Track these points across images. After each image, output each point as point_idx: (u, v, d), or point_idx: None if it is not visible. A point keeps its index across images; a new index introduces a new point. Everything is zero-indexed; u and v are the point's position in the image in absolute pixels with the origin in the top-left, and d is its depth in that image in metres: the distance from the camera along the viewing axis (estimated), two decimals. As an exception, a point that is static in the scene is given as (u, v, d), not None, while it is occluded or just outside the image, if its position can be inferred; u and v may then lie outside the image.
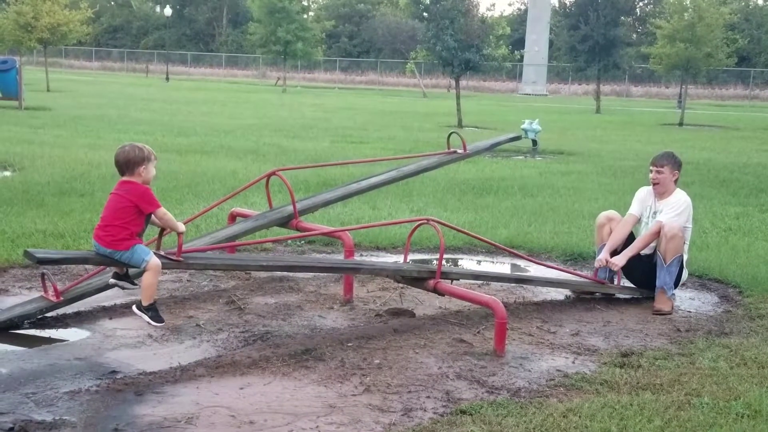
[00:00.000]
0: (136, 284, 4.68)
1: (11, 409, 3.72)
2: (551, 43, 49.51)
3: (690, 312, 5.90)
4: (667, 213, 5.94)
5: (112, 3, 78.35)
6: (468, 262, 7.20)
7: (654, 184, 6.09)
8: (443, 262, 5.28)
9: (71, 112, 21.34)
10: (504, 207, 9.46)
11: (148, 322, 4.55)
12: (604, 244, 6.09)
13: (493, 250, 7.23)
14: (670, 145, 16.31)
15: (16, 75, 22.11)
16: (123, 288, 4.74)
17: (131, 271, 4.67)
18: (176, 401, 3.89)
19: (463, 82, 32.65)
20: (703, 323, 5.59)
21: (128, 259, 4.42)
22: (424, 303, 5.78)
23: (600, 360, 4.73)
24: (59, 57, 60.87)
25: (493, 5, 72.91)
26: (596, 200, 10.07)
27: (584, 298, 6.14)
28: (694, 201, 6.27)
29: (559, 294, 6.24)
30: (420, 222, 5.49)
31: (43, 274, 5.01)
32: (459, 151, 7.21)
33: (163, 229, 4.62)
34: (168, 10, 65.88)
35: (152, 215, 4.49)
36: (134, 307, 4.59)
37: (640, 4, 46.57)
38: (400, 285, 5.84)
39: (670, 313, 5.78)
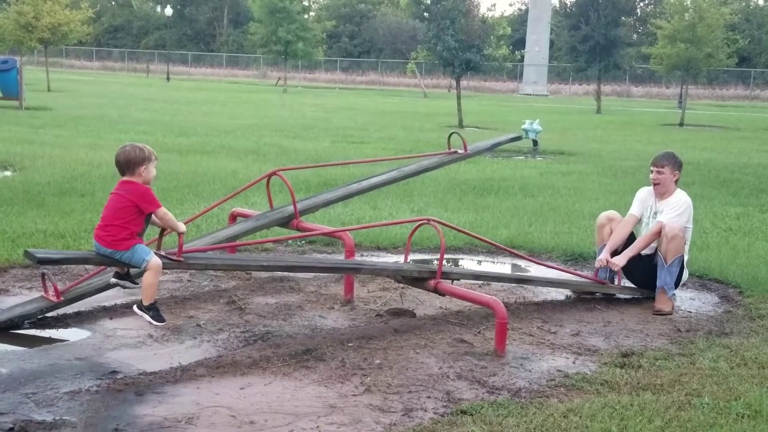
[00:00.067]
0: (137, 283, 4.68)
1: (11, 409, 3.72)
2: (552, 44, 49.49)
3: (690, 312, 5.90)
4: (668, 213, 5.94)
5: (113, 3, 78.35)
6: (468, 263, 7.20)
7: (654, 185, 6.09)
8: (444, 262, 5.28)
9: (72, 112, 21.34)
10: (505, 207, 9.46)
11: (149, 322, 4.55)
12: (605, 245, 6.09)
13: (493, 250, 7.23)
14: (670, 146, 16.31)
15: (17, 75, 22.10)
16: (124, 287, 4.74)
17: (132, 270, 4.67)
18: (177, 401, 3.89)
19: (463, 83, 32.65)
20: (704, 323, 5.59)
21: (129, 259, 4.43)
22: (424, 303, 5.78)
23: (600, 360, 4.73)
24: (60, 57, 60.86)
25: (494, 5, 73.05)
26: (597, 200, 10.07)
27: (585, 299, 6.14)
28: (694, 201, 6.27)
29: (559, 294, 6.24)
30: (421, 222, 5.49)
31: (43, 274, 5.02)
32: (460, 151, 7.21)
33: (163, 229, 4.62)
34: (169, 10, 65.93)
35: (153, 215, 4.50)
36: (135, 307, 4.60)
37: (641, 4, 46.55)
38: (401, 285, 5.84)
39: (670, 314, 5.78)
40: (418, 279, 5.26)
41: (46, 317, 5.01)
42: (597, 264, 6.08)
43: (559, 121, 25.32)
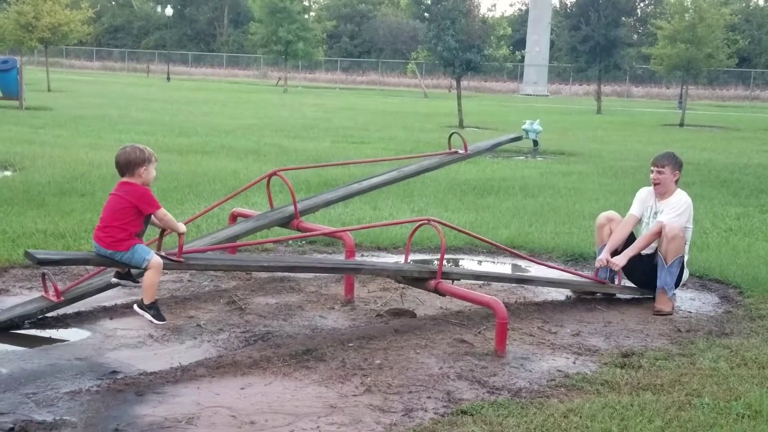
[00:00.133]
0: (138, 282, 4.68)
1: (12, 409, 3.72)
2: (552, 44, 49.49)
3: (690, 312, 5.90)
4: (668, 213, 5.94)
5: (113, 3, 78.37)
6: (469, 263, 7.20)
7: (655, 185, 6.09)
8: (444, 262, 5.28)
9: (72, 112, 21.34)
10: (505, 207, 9.46)
11: (150, 321, 4.56)
12: (605, 245, 6.09)
13: (494, 250, 7.23)
14: (670, 146, 16.31)
15: (17, 75, 22.11)
16: (126, 287, 4.74)
17: (133, 269, 4.67)
18: (177, 401, 3.89)
19: (464, 83, 32.65)
20: (704, 324, 5.59)
21: (129, 259, 4.43)
22: (425, 303, 5.78)
23: (601, 360, 4.73)
24: (60, 57, 60.88)
25: (494, 6, 72.93)
26: (597, 201, 10.07)
27: (585, 299, 6.14)
28: (694, 201, 6.27)
29: (559, 294, 6.24)
30: (421, 222, 5.49)
31: (43, 274, 5.02)
32: (460, 151, 7.21)
33: (163, 230, 4.62)
34: (169, 10, 65.76)
35: (152, 216, 4.50)
36: (135, 306, 4.60)
37: (641, 4, 46.54)
38: (401, 285, 5.84)
39: (670, 314, 5.78)
40: (418, 279, 5.26)
41: (47, 317, 5.01)
42: (597, 264, 6.08)
43: (560, 122, 25.32)
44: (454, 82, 26.66)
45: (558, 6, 36.96)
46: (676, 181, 6.11)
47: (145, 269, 4.46)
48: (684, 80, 32.23)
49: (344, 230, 6.23)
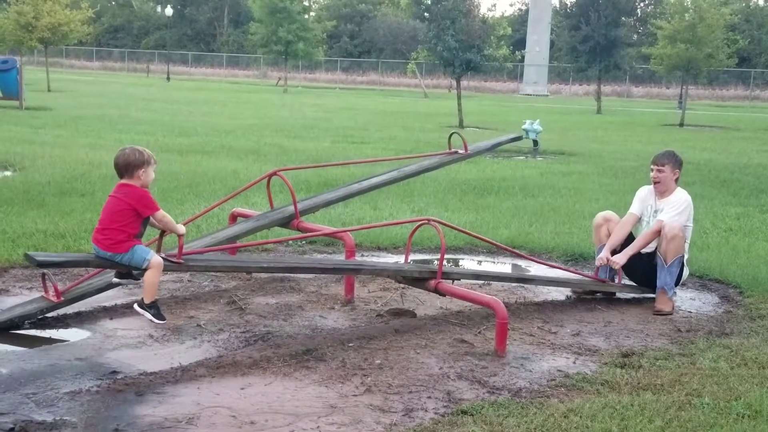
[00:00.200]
0: (139, 279, 4.68)
1: (12, 409, 3.72)
2: (552, 44, 49.48)
3: (691, 312, 5.90)
4: (668, 212, 5.94)
5: (113, 3, 78.36)
6: (469, 263, 7.20)
7: (655, 183, 6.09)
8: (444, 262, 5.28)
9: (72, 112, 21.34)
10: (505, 207, 9.46)
11: (150, 320, 4.56)
12: (603, 245, 6.09)
13: (494, 250, 7.23)
14: (670, 146, 16.21)
15: (17, 75, 22.10)
16: (127, 285, 4.74)
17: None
18: (177, 401, 3.89)
19: (464, 83, 32.64)
20: (704, 324, 5.59)
21: (129, 260, 4.43)
22: (425, 303, 5.78)
23: (601, 360, 4.73)
24: (60, 57, 60.87)
25: (494, 5, 72.92)
26: (597, 201, 10.07)
27: (585, 299, 6.14)
28: (694, 201, 6.27)
29: (560, 294, 6.24)
30: (421, 222, 5.49)
31: (43, 275, 5.01)
32: (460, 151, 7.21)
33: (163, 231, 4.62)
34: (169, 10, 65.84)
35: (151, 218, 4.50)
36: (136, 305, 4.60)
37: (641, 4, 46.56)
38: (401, 285, 5.84)
39: (670, 314, 5.78)
40: (418, 279, 5.26)
41: (47, 317, 5.01)
42: (597, 262, 6.08)
43: (560, 122, 25.32)
44: (454, 82, 26.66)
45: (558, 6, 36.98)
46: (676, 180, 6.11)
47: (146, 269, 4.46)
48: (684, 80, 32.23)
49: (345, 231, 6.22)
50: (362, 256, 6.99)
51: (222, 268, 5.61)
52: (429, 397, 4.07)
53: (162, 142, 14.86)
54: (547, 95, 50.86)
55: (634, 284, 6.26)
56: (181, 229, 4.58)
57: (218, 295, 5.78)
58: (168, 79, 48.61)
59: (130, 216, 4.41)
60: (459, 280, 5.42)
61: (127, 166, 4.46)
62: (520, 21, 61.08)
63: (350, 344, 4.79)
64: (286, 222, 5.99)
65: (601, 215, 6.32)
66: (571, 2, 32.99)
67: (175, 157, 12.72)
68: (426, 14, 24.09)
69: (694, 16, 28.55)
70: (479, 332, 5.15)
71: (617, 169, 13.60)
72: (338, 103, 32.61)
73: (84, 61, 65.64)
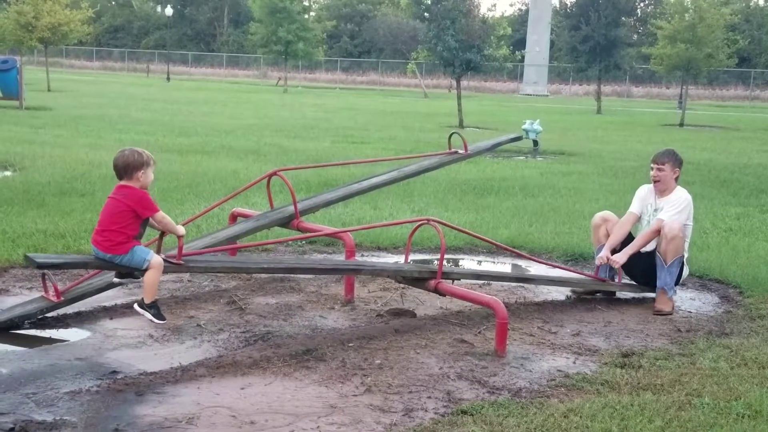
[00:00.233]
0: (139, 278, 4.68)
1: (12, 409, 3.72)
2: (552, 44, 49.48)
3: (690, 312, 5.90)
4: (668, 211, 5.94)
5: (113, 3, 78.36)
6: (469, 263, 7.20)
7: (655, 182, 6.09)
8: (444, 262, 5.28)
9: (72, 111, 21.34)
10: (505, 207, 9.46)
11: (150, 320, 4.56)
12: (602, 245, 6.08)
13: (494, 250, 7.24)
14: (670, 145, 16.25)
15: (17, 75, 22.10)
16: (128, 285, 4.74)
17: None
18: (177, 401, 3.89)
19: (464, 83, 32.65)
20: (704, 323, 5.59)
21: (129, 261, 4.43)
22: (425, 303, 5.78)
23: (601, 360, 4.73)
24: (60, 57, 60.88)
25: (494, 5, 72.91)
26: (597, 201, 10.07)
27: (585, 299, 6.14)
28: (694, 201, 6.27)
29: (560, 294, 6.24)
30: (421, 222, 5.49)
31: (43, 274, 5.01)
32: (460, 151, 7.21)
33: (163, 232, 4.62)
34: (169, 10, 65.89)
35: (151, 219, 4.50)
36: (136, 305, 4.60)
37: (641, 4, 46.62)
38: (401, 285, 5.84)
39: (670, 314, 5.78)
40: (418, 279, 5.26)
41: (47, 317, 5.01)
42: (597, 262, 6.08)
43: (560, 122, 25.32)
44: (454, 82, 26.66)
45: (558, 6, 36.98)
46: (676, 179, 6.11)
47: (146, 269, 4.46)
48: (684, 80, 32.23)
49: (345, 231, 6.22)
50: (362, 256, 6.99)
51: (222, 269, 5.61)
52: (429, 397, 4.07)
53: (162, 142, 14.86)
54: (547, 95, 50.86)
55: (635, 283, 6.26)
56: (181, 230, 4.58)
57: (218, 295, 5.78)
58: (168, 79, 48.60)
59: (130, 217, 4.41)
60: (459, 280, 5.42)
61: (126, 168, 4.46)
62: (520, 21, 61.09)
63: (350, 344, 4.79)
64: (286, 222, 5.99)
65: (599, 215, 6.32)
66: (571, 2, 33.00)
67: (175, 157, 12.72)
68: (426, 14, 24.09)
69: (694, 16, 28.56)
70: (479, 332, 5.15)
71: (617, 169, 13.60)
72: (338, 103, 32.61)
73: (84, 61, 65.64)
